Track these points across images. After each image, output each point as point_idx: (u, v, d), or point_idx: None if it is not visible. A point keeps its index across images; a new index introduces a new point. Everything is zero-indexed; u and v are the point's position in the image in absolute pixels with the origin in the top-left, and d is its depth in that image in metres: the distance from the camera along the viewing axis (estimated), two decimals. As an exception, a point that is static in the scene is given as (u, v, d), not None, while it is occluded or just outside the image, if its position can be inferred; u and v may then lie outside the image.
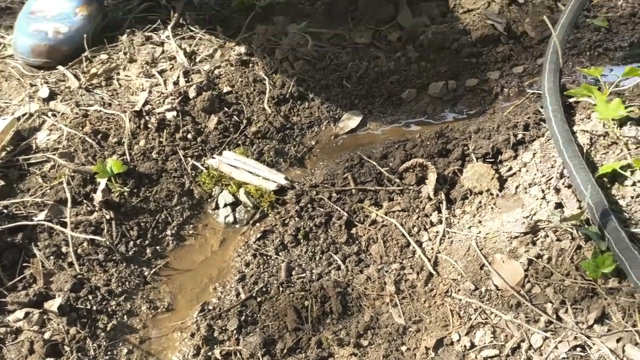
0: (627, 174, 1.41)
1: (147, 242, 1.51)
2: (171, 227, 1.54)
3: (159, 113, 1.68)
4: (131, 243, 1.49)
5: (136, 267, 1.46)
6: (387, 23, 2.02)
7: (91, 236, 1.45)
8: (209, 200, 1.60)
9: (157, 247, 1.51)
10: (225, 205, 1.56)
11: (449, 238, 1.46)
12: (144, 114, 1.68)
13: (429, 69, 1.87)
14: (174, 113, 1.68)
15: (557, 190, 1.44)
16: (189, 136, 1.67)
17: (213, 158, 1.63)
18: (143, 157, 1.62)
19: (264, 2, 2.15)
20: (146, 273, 1.46)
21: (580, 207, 1.38)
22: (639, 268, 1.21)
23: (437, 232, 1.47)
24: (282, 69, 1.83)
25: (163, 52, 1.92)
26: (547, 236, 1.37)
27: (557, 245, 1.34)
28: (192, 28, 2.03)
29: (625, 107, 1.49)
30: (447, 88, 1.84)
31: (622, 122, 1.50)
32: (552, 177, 1.47)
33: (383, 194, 1.55)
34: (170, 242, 1.52)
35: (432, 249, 1.45)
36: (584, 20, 1.96)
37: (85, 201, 1.52)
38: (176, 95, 1.72)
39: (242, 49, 1.90)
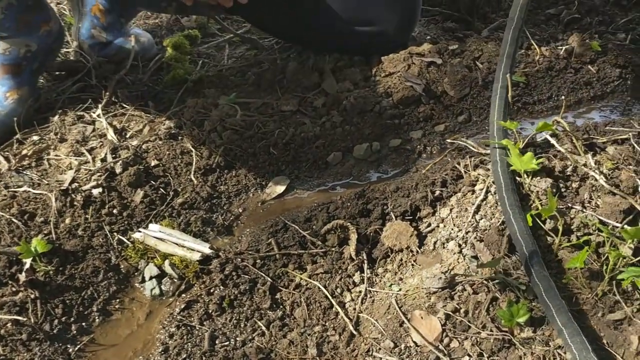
0: (541, 224, 1.45)
1: (72, 319, 1.50)
2: (97, 303, 1.54)
3: (85, 190, 1.70)
4: (56, 321, 1.48)
5: (60, 344, 1.45)
6: (313, 90, 2.07)
7: (15, 316, 1.45)
8: (135, 274, 1.61)
9: (83, 324, 1.51)
10: (151, 277, 1.57)
11: (370, 297, 1.48)
12: (71, 192, 1.69)
13: (353, 132, 1.91)
14: (100, 189, 1.70)
15: (473, 245, 1.47)
16: (115, 211, 1.68)
17: (139, 232, 1.65)
18: (69, 235, 1.63)
19: (196, 76, 2.21)
20: (70, 350, 1.45)
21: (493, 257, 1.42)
22: (564, 315, 1.24)
23: (360, 291, 1.49)
24: (210, 139, 1.86)
25: (94, 130, 1.95)
26: (465, 290, 1.39)
27: (473, 298, 1.36)
28: (124, 105, 2.07)
29: (537, 160, 1.54)
30: (371, 149, 1.88)
31: (534, 174, 1.55)
32: (468, 231, 1.50)
33: (306, 257, 1.57)
34: (96, 317, 1.52)
35: (355, 309, 1.46)
36: (502, 77, 2.03)
37: (10, 282, 1.52)
38: (103, 172, 1.74)
39: (171, 123, 1.93)
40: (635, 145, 1.66)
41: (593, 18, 2.43)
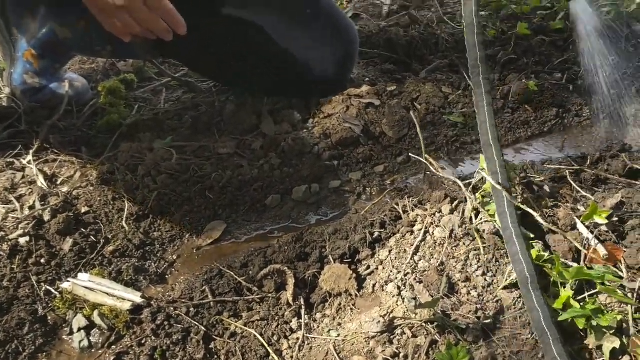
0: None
1: (-5, 376, 1.42)
2: (22, 357, 1.45)
3: (11, 239, 1.63)
4: (-24, 379, 1.40)
5: (-19, 404, 1.37)
6: (251, 132, 2.04)
7: None
8: (63, 325, 1.52)
9: (6, 381, 1.43)
10: (80, 329, 1.49)
11: (308, 344, 1.43)
12: (-4, 241, 1.62)
13: (291, 174, 1.88)
14: (27, 238, 1.63)
15: (412, 287, 1.44)
16: (43, 260, 1.61)
17: (67, 281, 1.57)
18: (-7, 286, 1.55)
19: (131, 120, 2.16)
20: (-9, 410, 1.37)
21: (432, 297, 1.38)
22: (559, 345, 1.21)
23: (297, 338, 1.44)
24: (144, 184, 1.80)
25: (24, 177, 1.89)
26: (404, 333, 1.35)
27: (412, 341, 1.33)
28: (56, 151, 2.00)
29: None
30: (310, 191, 1.85)
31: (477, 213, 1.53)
32: (407, 273, 1.47)
33: (242, 304, 1.51)
34: (21, 373, 1.44)
35: (292, 357, 1.41)
36: (440, 117, 2.03)
37: None
38: (30, 220, 1.67)
39: (104, 168, 1.88)
40: (572, 182, 1.66)
41: (529, 59, 2.46)
